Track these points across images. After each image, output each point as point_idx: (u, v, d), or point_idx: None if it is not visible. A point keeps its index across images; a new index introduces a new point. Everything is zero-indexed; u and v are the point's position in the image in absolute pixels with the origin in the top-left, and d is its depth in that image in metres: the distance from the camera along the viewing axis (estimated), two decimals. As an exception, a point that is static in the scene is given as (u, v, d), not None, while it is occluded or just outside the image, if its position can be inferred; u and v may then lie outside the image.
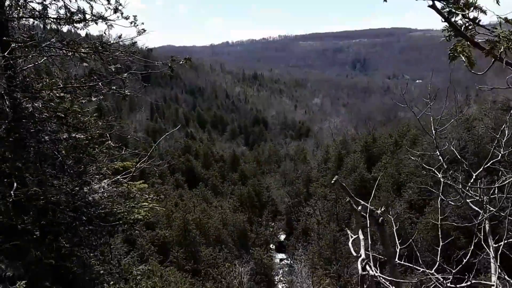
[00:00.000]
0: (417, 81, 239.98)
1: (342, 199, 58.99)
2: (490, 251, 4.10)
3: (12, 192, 4.95)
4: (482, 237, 4.30)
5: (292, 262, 54.67)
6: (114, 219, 6.52)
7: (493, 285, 3.73)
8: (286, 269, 58.93)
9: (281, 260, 64.95)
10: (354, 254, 3.51)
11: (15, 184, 5.10)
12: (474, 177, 4.53)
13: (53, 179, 5.71)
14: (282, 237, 72.64)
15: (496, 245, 4.24)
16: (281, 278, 53.45)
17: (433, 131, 4.89)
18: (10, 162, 5.54)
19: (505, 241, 4.22)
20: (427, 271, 3.78)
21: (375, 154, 73.11)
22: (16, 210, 5.45)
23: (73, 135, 6.11)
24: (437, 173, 4.91)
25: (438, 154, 4.71)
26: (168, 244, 48.17)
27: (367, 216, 3.81)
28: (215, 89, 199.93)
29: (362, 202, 3.81)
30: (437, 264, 3.95)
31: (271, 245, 68.69)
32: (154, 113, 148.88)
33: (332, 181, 4.03)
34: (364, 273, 2.95)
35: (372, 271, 3.45)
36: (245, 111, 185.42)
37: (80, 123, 6.44)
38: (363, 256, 3.36)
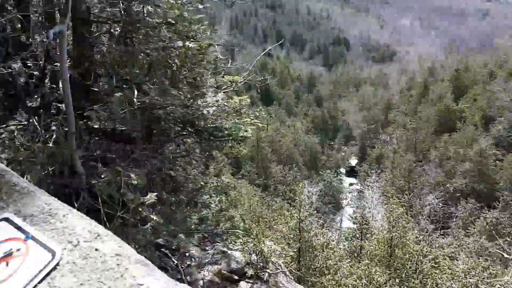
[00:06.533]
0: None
1: (423, 129, 56.24)
2: None
3: (134, 98, 4.72)
4: None
5: (362, 187, 54.53)
6: (222, 134, 6.27)
7: None
8: (355, 194, 59.15)
9: (350, 184, 65.11)
10: None
11: (135, 91, 4.86)
12: None
13: (170, 89, 5.47)
14: (354, 162, 72.04)
15: None
16: (350, 202, 53.82)
17: None
18: (128, 68, 5.29)
19: None
20: None
21: (465, 84, 67.58)
22: (133, 118, 5.29)
23: (186, 43, 5.65)
24: None
25: None
26: (240, 158, 49.82)
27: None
28: (297, 4, 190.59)
29: None
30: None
31: (341, 169, 68.70)
32: (233, 28, 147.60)
33: None
34: None
35: None
36: (327, 29, 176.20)
37: (192, 31, 5.93)
38: None
